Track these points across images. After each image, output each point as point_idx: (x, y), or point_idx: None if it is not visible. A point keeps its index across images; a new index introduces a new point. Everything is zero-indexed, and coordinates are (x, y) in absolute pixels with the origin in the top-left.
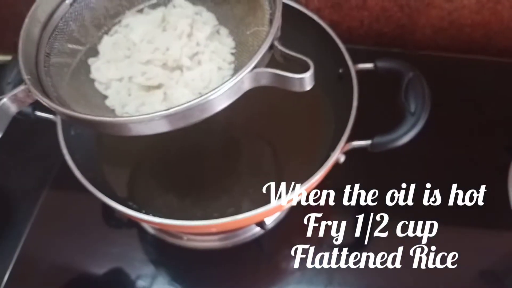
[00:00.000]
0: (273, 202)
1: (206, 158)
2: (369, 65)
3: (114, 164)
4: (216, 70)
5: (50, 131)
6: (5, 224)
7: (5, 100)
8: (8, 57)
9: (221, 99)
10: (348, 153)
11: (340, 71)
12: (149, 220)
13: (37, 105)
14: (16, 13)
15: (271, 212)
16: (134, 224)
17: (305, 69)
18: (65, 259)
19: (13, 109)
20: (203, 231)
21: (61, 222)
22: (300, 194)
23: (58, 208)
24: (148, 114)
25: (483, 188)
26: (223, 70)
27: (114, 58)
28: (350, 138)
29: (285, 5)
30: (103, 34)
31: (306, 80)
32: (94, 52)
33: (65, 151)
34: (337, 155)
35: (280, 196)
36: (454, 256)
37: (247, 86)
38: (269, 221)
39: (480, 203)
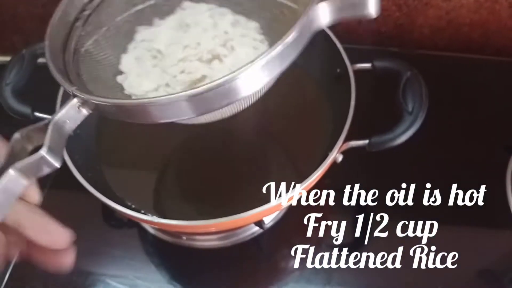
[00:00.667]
0: (272, 201)
1: (204, 158)
2: (367, 65)
3: (113, 164)
4: (253, 50)
5: None
6: None
7: (56, 119)
8: (6, 58)
9: (291, 47)
10: (348, 153)
11: (338, 71)
12: (148, 220)
13: (35, 106)
14: (16, 15)
15: (269, 212)
16: (134, 224)
17: None
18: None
19: (68, 126)
20: (201, 230)
21: (61, 222)
22: (298, 193)
23: (58, 208)
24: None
25: (483, 188)
26: (258, 49)
27: (143, 71)
28: (348, 138)
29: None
30: (119, 54)
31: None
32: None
33: (64, 152)
34: (335, 155)
35: (279, 196)
36: (454, 256)
37: (315, 25)
38: (268, 221)
39: (480, 203)
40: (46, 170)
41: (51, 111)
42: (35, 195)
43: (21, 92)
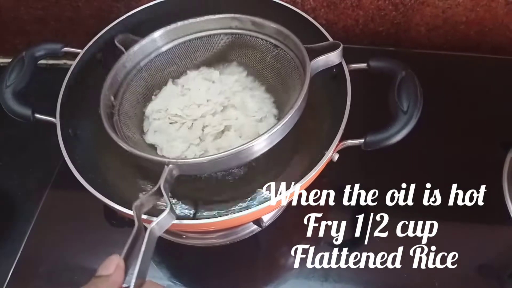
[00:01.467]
0: (270, 200)
1: None
2: (362, 65)
3: (114, 165)
4: (253, 95)
5: (51, 132)
6: (7, 224)
7: (163, 185)
8: (8, 60)
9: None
10: (347, 153)
11: (334, 71)
12: (148, 219)
13: (36, 108)
14: (17, 17)
15: (267, 211)
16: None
17: (336, 47)
18: (66, 259)
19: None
20: (200, 229)
21: (63, 222)
22: (294, 192)
23: (59, 209)
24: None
25: (483, 188)
26: (257, 91)
27: (170, 138)
28: (344, 137)
29: (279, 6)
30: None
31: (339, 53)
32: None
33: (64, 152)
34: (331, 154)
35: (276, 195)
36: (454, 256)
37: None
38: (266, 219)
39: (480, 202)
40: (168, 225)
41: (52, 112)
42: None
43: (22, 94)
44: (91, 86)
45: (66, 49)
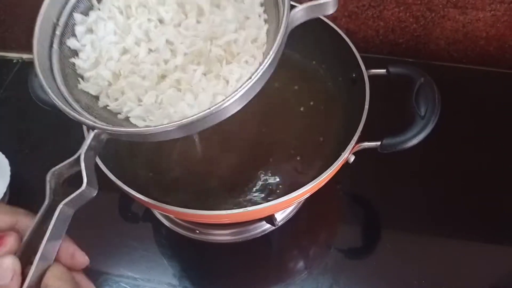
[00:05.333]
0: (283, 197)
1: (222, 155)
2: (381, 71)
3: (133, 155)
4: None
5: (73, 125)
6: None
7: (85, 153)
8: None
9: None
10: (361, 157)
11: (354, 75)
12: (168, 209)
13: None
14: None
15: (281, 207)
16: (149, 217)
17: None
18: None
19: (94, 155)
20: (216, 221)
21: (78, 216)
22: (309, 190)
23: None
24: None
25: (498, 203)
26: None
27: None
28: (361, 139)
29: None
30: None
31: (335, 1)
32: None
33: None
34: (348, 155)
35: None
36: (461, 267)
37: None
38: (279, 218)
39: (496, 218)
40: (86, 199)
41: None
42: (83, 258)
43: None
44: None
45: None
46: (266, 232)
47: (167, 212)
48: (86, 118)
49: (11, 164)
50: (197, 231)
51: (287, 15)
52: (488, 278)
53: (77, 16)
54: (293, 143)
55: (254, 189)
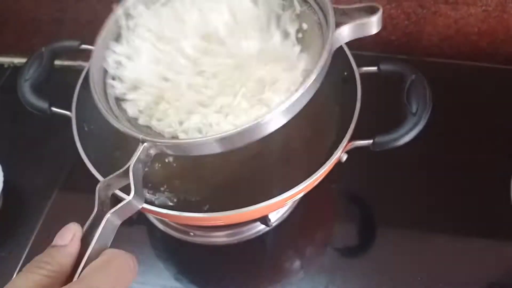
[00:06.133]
0: (276, 197)
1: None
2: (373, 68)
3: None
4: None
5: (64, 130)
6: (16, 220)
7: (134, 165)
8: (25, 59)
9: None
10: (354, 156)
11: (345, 74)
12: (159, 212)
13: (52, 101)
14: (35, 18)
15: (274, 207)
16: (143, 220)
17: (372, 11)
18: None
19: (142, 168)
20: (209, 223)
21: (72, 219)
22: (301, 190)
23: (69, 206)
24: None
25: (490, 200)
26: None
27: None
28: (353, 138)
29: None
30: None
31: (379, 20)
32: None
33: (79, 145)
34: (340, 154)
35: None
36: (457, 264)
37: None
38: (273, 219)
39: (487, 215)
40: (133, 210)
41: (68, 106)
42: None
43: (39, 88)
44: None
45: (83, 46)
46: (261, 233)
47: (160, 216)
48: (136, 132)
49: (3, 169)
50: (192, 234)
51: (332, 35)
52: (485, 275)
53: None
54: (285, 143)
55: (245, 188)
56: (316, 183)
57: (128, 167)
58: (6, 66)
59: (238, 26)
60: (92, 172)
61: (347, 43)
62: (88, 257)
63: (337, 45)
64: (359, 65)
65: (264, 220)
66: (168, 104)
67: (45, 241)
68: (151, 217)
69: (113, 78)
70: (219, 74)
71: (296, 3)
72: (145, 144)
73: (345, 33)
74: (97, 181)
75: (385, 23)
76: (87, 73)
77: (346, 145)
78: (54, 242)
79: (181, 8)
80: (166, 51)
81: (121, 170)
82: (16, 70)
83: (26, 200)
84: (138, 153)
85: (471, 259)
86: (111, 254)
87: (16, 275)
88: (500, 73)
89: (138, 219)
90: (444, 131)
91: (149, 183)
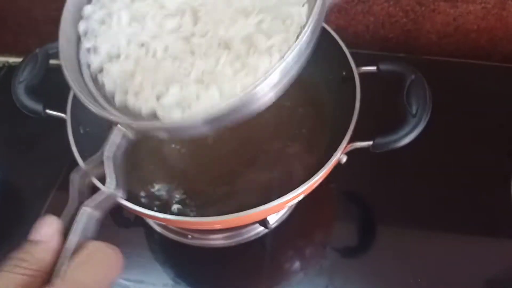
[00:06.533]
0: (276, 200)
1: (209, 156)
2: (372, 68)
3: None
4: None
5: (61, 130)
6: (13, 222)
7: (108, 152)
8: (21, 59)
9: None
10: (353, 156)
11: (344, 73)
12: (156, 216)
13: (47, 103)
14: (31, 18)
15: (273, 210)
16: (141, 223)
17: None
18: None
19: (119, 154)
20: (207, 227)
21: None
22: (301, 193)
23: (66, 207)
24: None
25: (490, 198)
26: None
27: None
28: (352, 139)
29: None
30: None
31: None
32: None
33: (74, 148)
34: (339, 156)
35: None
36: (457, 264)
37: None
38: (273, 221)
39: (487, 213)
40: (112, 201)
41: (62, 108)
42: None
43: (34, 90)
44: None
45: None
46: (260, 235)
47: (158, 220)
48: (110, 113)
49: (0, 169)
50: (189, 236)
51: None
52: (485, 276)
53: (88, 8)
54: (283, 144)
55: (245, 191)
56: (316, 185)
57: (102, 151)
58: (1, 65)
59: None
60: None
61: (345, 41)
62: (68, 251)
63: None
64: (358, 65)
65: (263, 222)
66: (143, 74)
67: None
68: (149, 220)
69: (88, 50)
70: (204, 37)
71: None
72: (119, 126)
73: None
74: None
75: (383, 21)
76: None
77: (345, 146)
78: (31, 237)
79: None
80: (143, 10)
81: (95, 155)
82: (11, 70)
83: (23, 200)
84: (113, 137)
85: (471, 260)
86: (93, 248)
87: None
88: (499, 71)
89: (136, 222)
90: (443, 129)
91: (146, 186)
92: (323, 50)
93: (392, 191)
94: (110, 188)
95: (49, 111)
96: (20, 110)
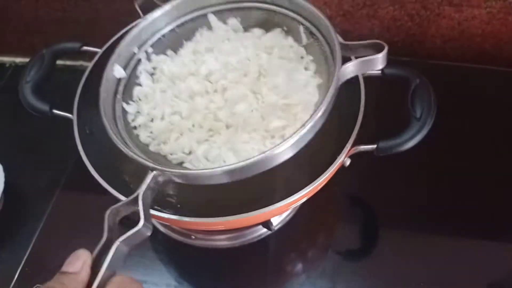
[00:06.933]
0: (279, 202)
1: None
2: (376, 72)
3: (127, 165)
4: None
5: (66, 130)
6: (17, 222)
7: (143, 194)
8: (26, 59)
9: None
10: (357, 160)
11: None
12: (161, 216)
13: (54, 102)
14: (37, 17)
15: (277, 212)
16: None
17: (379, 49)
18: None
19: (151, 196)
20: (211, 228)
21: (73, 221)
22: (305, 195)
23: (70, 208)
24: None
25: (495, 204)
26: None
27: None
28: (357, 142)
29: None
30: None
31: (384, 57)
32: None
33: (80, 147)
34: (343, 158)
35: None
36: (459, 268)
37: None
38: (276, 223)
39: (492, 218)
40: (142, 238)
41: (69, 108)
42: None
43: (40, 90)
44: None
45: (85, 48)
46: (263, 236)
47: (161, 220)
48: (146, 160)
49: (5, 170)
50: (193, 237)
51: (338, 70)
52: (487, 279)
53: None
54: None
55: (248, 192)
56: (320, 187)
57: (138, 195)
58: (7, 65)
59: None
60: (93, 175)
61: None
62: (98, 284)
63: (343, 80)
64: None
65: (266, 224)
66: (178, 133)
67: (46, 243)
68: (153, 220)
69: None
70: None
71: (303, 36)
72: (155, 172)
73: (351, 68)
74: (97, 183)
75: (389, 25)
76: (89, 75)
77: (349, 149)
78: (64, 269)
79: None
80: (181, 90)
81: (130, 198)
82: (18, 69)
83: (28, 201)
84: (148, 181)
85: (474, 265)
86: (121, 282)
87: None
88: (504, 75)
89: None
90: (447, 133)
91: None
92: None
93: (395, 194)
94: (142, 226)
95: (55, 111)
96: (24, 110)
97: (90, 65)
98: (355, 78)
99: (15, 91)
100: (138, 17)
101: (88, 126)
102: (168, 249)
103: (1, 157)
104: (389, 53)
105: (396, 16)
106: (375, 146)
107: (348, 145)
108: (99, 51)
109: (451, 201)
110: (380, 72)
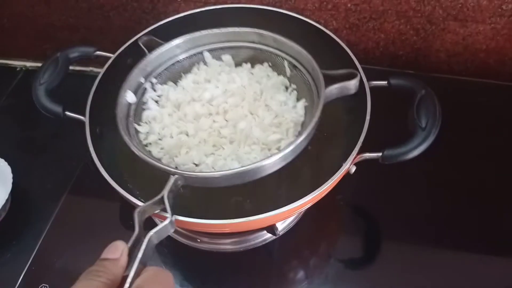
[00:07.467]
0: (285, 207)
1: None
2: (382, 82)
3: (137, 167)
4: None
5: (73, 133)
6: (25, 223)
7: (167, 194)
8: (37, 64)
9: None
10: (362, 168)
11: None
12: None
13: (66, 105)
14: (49, 24)
15: (282, 217)
16: (150, 226)
17: (352, 76)
18: (81, 259)
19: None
20: (217, 230)
21: (80, 223)
22: (310, 201)
23: (77, 210)
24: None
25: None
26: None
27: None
28: (362, 150)
29: (305, 23)
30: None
31: (356, 84)
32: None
33: (91, 149)
34: (349, 166)
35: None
36: (461, 281)
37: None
38: (280, 228)
39: (497, 231)
40: (167, 233)
41: (81, 111)
42: None
43: (54, 92)
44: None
45: (98, 52)
46: (267, 241)
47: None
48: (167, 166)
49: (13, 171)
50: (198, 240)
51: (323, 95)
52: None
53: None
54: None
55: (253, 197)
56: (324, 194)
57: (162, 196)
58: (18, 69)
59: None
60: (104, 177)
61: (356, 57)
62: (135, 271)
63: (325, 102)
64: (368, 79)
65: (271, 229)
66: (188, 148)
67: (52, 244)
68: (158, 222)
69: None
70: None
71: (287, 69)
72: (176, 176)
73: (332, 92)
74: (108, 184)
75: (394, 38)
76: (101, 79)
77: (355, 157)
78: (104, 255)
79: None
80: (186, 113)
81: (155, 199)
82: (28, 73)
83: (35, 202)
84: (170, 184)
85: (476, 277)
86: (156, 269)
87: (77, 281)
88: (507, 90)
89: (145, 225)
90: (451, 146)
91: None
92: (335, 63)
93: (398, 205)
94: (168, 220)
95: (68, 113)
96: (33, 113)
97: (103, 69)
98: (362, 87)
99: (24, 94)
100: (148, 25)
101: (99, 128)
102: (173, 252)
103: (9, 159)
104: (393, 66)
105: (402, 30)
106: (380, 154)
107: (354, 153)
108: (112, 56)
109: (454, 212)
110: (386, 82)
